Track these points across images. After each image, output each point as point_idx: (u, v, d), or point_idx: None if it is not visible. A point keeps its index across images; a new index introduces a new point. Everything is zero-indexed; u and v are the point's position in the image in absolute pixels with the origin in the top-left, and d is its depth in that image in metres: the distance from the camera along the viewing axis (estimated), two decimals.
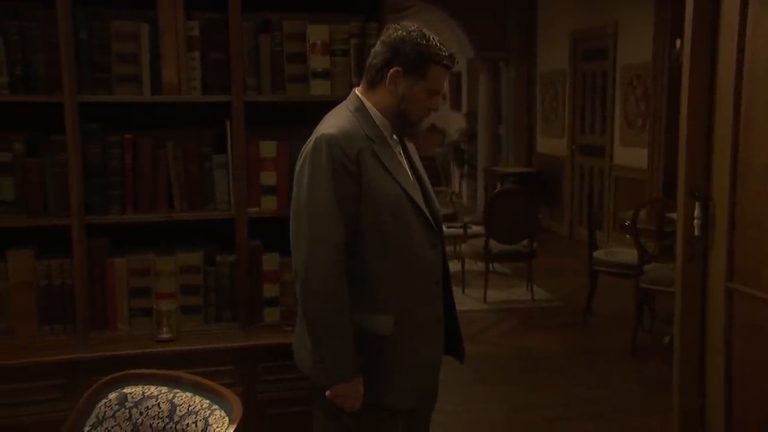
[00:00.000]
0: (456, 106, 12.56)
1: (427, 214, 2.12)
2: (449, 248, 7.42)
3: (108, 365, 2.28)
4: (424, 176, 2.24)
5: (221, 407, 1.84)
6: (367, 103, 2.13)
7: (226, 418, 1.78)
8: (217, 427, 1.76)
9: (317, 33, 2.68)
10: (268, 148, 2.70)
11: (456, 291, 6.43)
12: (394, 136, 2.16)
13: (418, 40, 2.06)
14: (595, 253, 5.68)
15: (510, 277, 7.20)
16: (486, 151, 10.67)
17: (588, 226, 5.93)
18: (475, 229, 6.86)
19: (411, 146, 2.27)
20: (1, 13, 2.46)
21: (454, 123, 12.62)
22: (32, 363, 2.47)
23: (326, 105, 2.74)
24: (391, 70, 2.07)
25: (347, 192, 2.00)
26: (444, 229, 2.31)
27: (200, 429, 1.80)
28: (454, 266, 6.93)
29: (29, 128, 2.58)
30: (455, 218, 7.89)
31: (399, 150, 2.17)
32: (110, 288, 2.63)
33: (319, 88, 2.71)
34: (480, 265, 6.74)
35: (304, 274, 2.00)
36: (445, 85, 2.24)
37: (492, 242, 6.24)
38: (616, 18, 7.99)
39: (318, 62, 2.69)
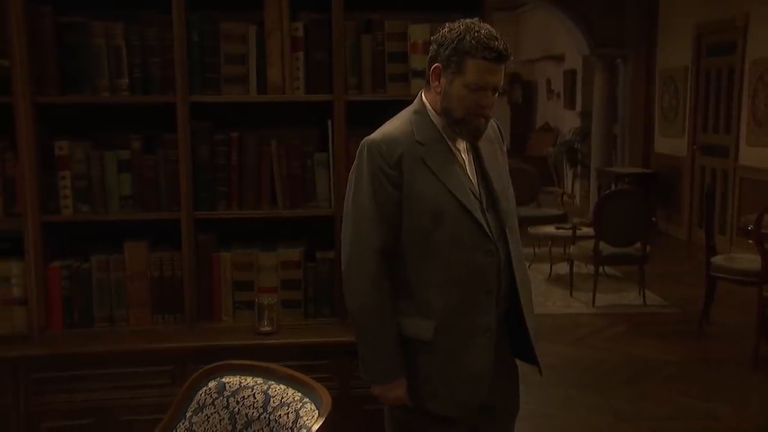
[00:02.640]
0: (570, 104, 12.25)
1: (481, 221, 2.03)
2: (558, 250, 7.28)
3: (212, 354, 2.37)
4: (499, 179, 2.14)
5: (312, 400, 1.88)
6: (427, 105, 2.10)
7: (316, 412, 1.82)
8: (307, 420, 1.80)
9: (418, 32, 2.69)
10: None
11: (563, 293, 6.41)
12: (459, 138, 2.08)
13: (457, 34, 1.98)
14: (713, 259, 5.39)
15: (621, 281, 6.95)
16: (600, 151, 10.34)
17: (705, 230, 5.63)
18: (585, 230, 6.67)
19: (488, 147, 2.15)
20: (125, 20, 2.61)
21: (567, 122, 12.33)
22: (145, 349, 2.62)
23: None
24: (433, 67, 2.05)
25: (386, 196, 2.00)
26: (518, 233, 2.21)
27: (291, 421, 1.84)
28: (562, 268, 6.88)
29: (146, 127, 2.73)
30: (565, 219, 7.70)
31: (463, 152, 2.09)
32: (216, 281, 2.74)
33: (419, 87, 2.68)
34: (589, 268, 6.55)
35: (346, 274, 2.05)
36: (497, 81, 2.00)
37: (602, 244, 6.05)
38: (747, 10, 7.54)
39: (418, 61, 2.70)
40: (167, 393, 2.45)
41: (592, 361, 4.94)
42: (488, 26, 2.01)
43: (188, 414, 2.03)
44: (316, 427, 1.74)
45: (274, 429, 1.89)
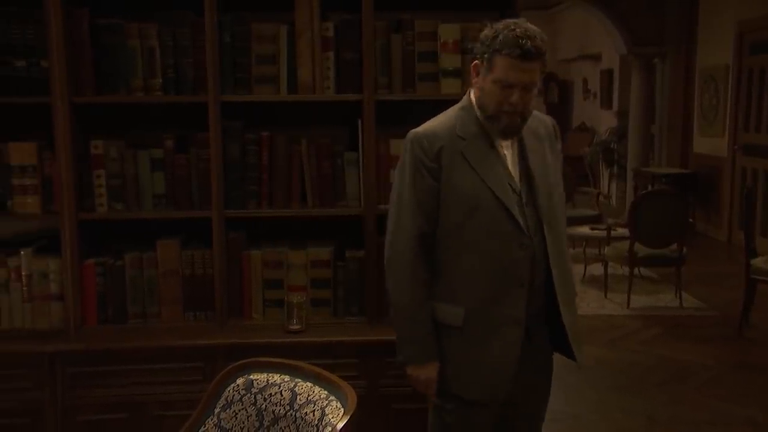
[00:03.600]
0: (606, 104, 12.10)
1: (517, 214, 2.07)
2: (593, 251, 7.19)
3: (242, 352, 2.40)
4: (543, 176, 2.15)
5: (338, 398, 1.89)
6: (473, 101, 2.16)
7: (341, 410, 1.83)
8: (332, 418, 1.81)
9: (448, 31, 2.69)
10: (398, 146, 2.73)
11: (598, 294, 6.34)
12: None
13: (493, 32, 2.03)
14: (753, 261, 5.28)
15: (657, 283, 6.85)
16: (637, 151, 10.19)
17: (745, 231, 5.52)
18: (620, 231, 6.58)
19: (535, 144, 2.18)
20: (158, 22, 2.66)
21: (604, 122, 12.18)
22: (177, 346, 2.66)
23: (456, 103, 2.75)
24: (473, 64, 2.13)
25: (426, 187, 2.10)
26: (563, 230, 2.23)
27: (317, 418, 1.86)
28: (597, 269, 6.81)
29: (179, 127, 2.77)
30: (600, 220, 7.61)
31: (506, 148, 2.13)
32: (246, 279, 2.77)
33: (450, 87, 2.71)
34: (624, 269, 6.47)
35: (386, 259, 2.18)
36: (535, 79, 2.02)
37: (637, 246, 5.97)
38: None
39: (449, 60, 2.70)
40: (198, 389, 2.48)
41: (626, 364, 4.87)
42: (529, 26, 2.02)
43: (216, 410, 2.05)
44: (341, 424, 1.75)
45: (301, 426, 1.91)
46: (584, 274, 7.02)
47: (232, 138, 2.70)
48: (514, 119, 2.06)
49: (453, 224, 2.10)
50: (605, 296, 6.35)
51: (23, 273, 2.69)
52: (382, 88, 2.71)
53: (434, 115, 2.79)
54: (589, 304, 6.21)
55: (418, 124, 2.81)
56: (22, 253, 2.69)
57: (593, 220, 7.52)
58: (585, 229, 6.93)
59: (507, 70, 1.99)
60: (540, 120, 2.25)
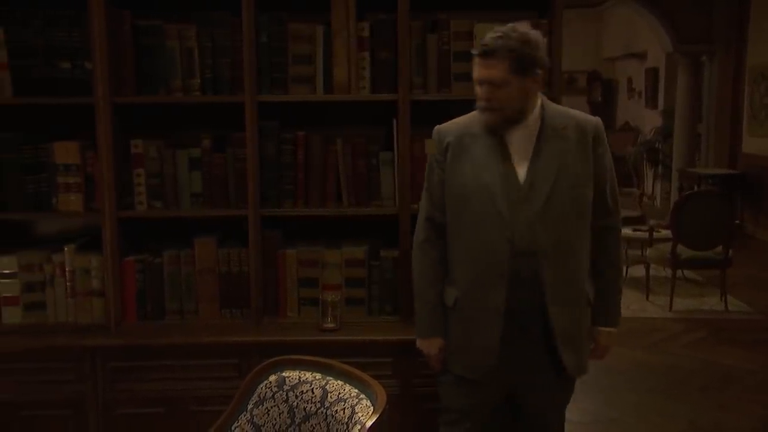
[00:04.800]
0: (651, 103, 11.89)
1: (503, 209, 2.16)
2: (635, 252, 7.07)
3: (277, 350, 2.42)
4: (549, 176, 2.17)
5: (368, 397, 1.90)
6: None
7: (371, 408, 1.84)
8: (362, 416, 1.82)
9: (484, 31, 2.64)
10: (432, 146, 2.73)
11: (639, 297, 6.24)
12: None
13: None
14: None
15: (701, 286, 6.71)
16: (682, 151, 10.00)
17: None
18: (663, 233, 6.46)
19: (556, 144, 2.19)
20: (197, 23, 2.70)
21: (648, 121, 11.97)
22: (213, 343, 2.69)
23: None
24: None
25: (435, 179, 2.32)
26: (575, 232, 2.24)
27: (347, 416, 1.87)
28: (638, 271, 6.69)
29: (216, 126, 2.81)
30: (643, 221, 7.48)
31: (517, 145, 2.20)
32: (281, 277, 2.80)
33: None
34: (667, 271, 6.35)
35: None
36: (500, 76, 2.12)
37: (680, 247, 5.85)
38: None
39: None
40: (233, 386, 2.49)
41: (667, 367, 4.79)
42: (509, 28, 2.14)
43: (249, 406, 2.08)
44: (370, 423, 1.76)
45: (331, 424, 1.93)
46: (625, 275, 6.91)
47: (269, 137, 2.73)
48: (489, 115, 2.18)
49: (452, 213, 2.28)
50: (647, 298, 6.25)
51: (67, 269, 2.76)
52: (417, 88, 2.72)
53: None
54: (629, 306, 6.12)
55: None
56: (65, 249, 2.76)
57: (636, 221, 7.39)
58: (627, 230, 6.81)
59: (474, 68, 2.18)
60: (577, 121, 2.24)
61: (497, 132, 2.21)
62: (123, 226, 2.76)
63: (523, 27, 2.15)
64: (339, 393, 1.96)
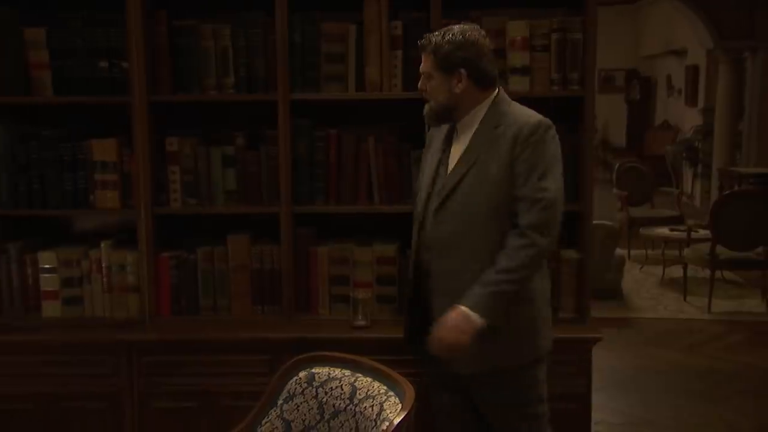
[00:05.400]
0: (691, 101, 11.68)
1: (420, 201, 2.31)
2: (673, 252, 6.96)
3: (308, 346, 2.43)
4: (458, 171, 2.24)
5: (396, 394, 1.90)
6: None
7: (399, 405, 1.84)
8: (390, 413, 1.83)
9: (516, 29, 2.67)
10: None
11: (676, 298, 6.14)
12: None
13: None
14: None
15: (742, 287, 6.58)
16: (723, 150, 9.80)
17: None
18: (702, 233, 6.36)
19: (480, 141, 2.23)
20: (231, 23, 2.73)
21: (688, 120, 11.77)
22: (246, 339, 2.73)
23: (523, 101, 2.72)
24: None
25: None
26: (469, 228, 2.24)
27: (375, 413, 1.88)
28: (676, 272, 6.58)
29: (250, 124, 2.84)
30: (681, 221, 7.37)
31: (459, 140, 2.28)
32: (313, 274, 2.82)
33: (517, 84, 2.68)
34: (706, 272, 6.24)
35: None
36: (426, 70, 2.28)
37: (720, 248, 5.75)
38: None
39: (517, 58, 2.68)
40: (265, 381, 2.51)
41: (705, 370, 4.71)
42: (452, 26, 2.25)
43: (280, 402, 2.10)
44: (397, 420, 1.76)
45: (360, 420, 1.94)
46: (662, 276, 6.82)
47: (302, 136, 2.75)
48: (426, 105, 2.30)
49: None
50: (684, 299, 6.15)
51: (103, 265, 2.82)
52: None
53: None
54: (666, 307, 6.03)
55: None
56: (102, 245, 2.82)
57: (674, 221, 7.29)
58: (664, 230, 6.73)
59: None
60: (515, 122, 2.21)
61: (431, 124, 2.36)
62: (158, 223, 2.81)
63: (462, 28, 2.23)
64: (368, 390, 1.97)
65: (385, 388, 1.95)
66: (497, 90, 2.28)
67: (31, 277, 2.83)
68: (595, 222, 3.93)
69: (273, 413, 2.09)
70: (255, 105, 2.80)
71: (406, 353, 2.61)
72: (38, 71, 2.76)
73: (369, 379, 2.00)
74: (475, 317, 2.10)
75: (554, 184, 2.17)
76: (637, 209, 7.77)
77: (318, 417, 2.05)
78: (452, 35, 2.21)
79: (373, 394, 1.94)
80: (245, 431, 2.08)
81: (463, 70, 2.20)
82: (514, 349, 2.24)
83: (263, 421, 2.09)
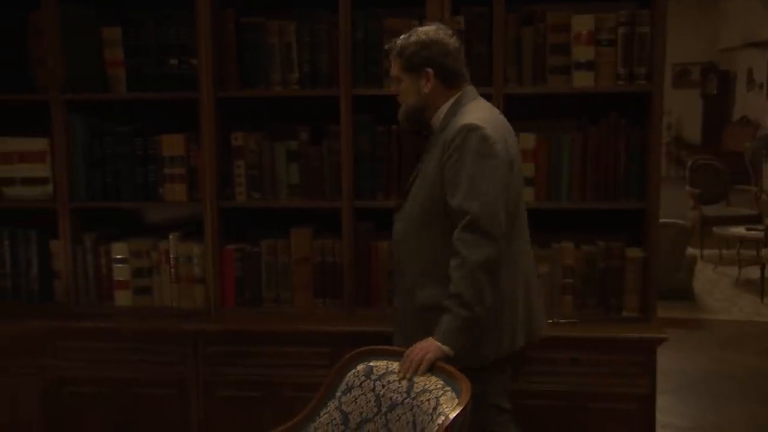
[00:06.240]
0: None
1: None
2: (750, 252, 6.72)
3: (368, 340, 2.43)
4: (420, 177, 2.27)
5: (453, 389, 1.90)
6: None
7: (455, 400, 1.84)
8: (446, 408, 1.83)
9: (582, 23, 2.62)
10: (527, 140, 2.70)
11: (753, 300, 5.93)
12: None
13: None
14: None
15: None
16: None
17: None
18: None
19: (435, 147, 2.23)
20: (296, 20, 2.78)
21: None
22: (307, 331, 2.78)
23: (588, 96, 2.69)
24: None
25: None
26: (411, 228, 2.29)
27: (432, 407, 1.88)
28: (753, 272, 6.34)
29: (313, 120, 2.87)
30: (759, 220, 7.10)
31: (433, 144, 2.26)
32: (373, 268, 2.84)
33: (582, 79, 2.64)
34: None
35: None
36: (395, 73, 2.31)
37: None
38: None
39: (582, 53, 2.63)
40: (325, 374, 2.55)
41: None
42: (418, 27, 2.29)
43: (338, 394, 2.13)
44: (453, 414, 1.76)
45: (416, 414, 1.94)
46: (738, 277, 6.58)
47: (364, 131, 2.77)
48: (400, 109, 2.32)
49: None
50: (761, 301, 5.93)
51: (171, 256, 2.91)
52: (512, 82, 2.69)
53: (565, 108, 2.76)
54: (742, 309, 5.83)
55: (549, 118, 2.79)
56: (170, 237, 2.91)
57: (751, 220, 7.03)
58: (740, 229, 6.50)
59: None
60: (452, 125, 2.18)
61: (404, 128, 2.42)
62: (223, 216, 2.88)
63: (426, 28, 2.25)
64: (425, 384, 1.98)
65: (442, 382, 1.95)
66: (463, 89, 2.27)
67: (104, 267, 2.95)
68: (664, 220, 3.83)
69: (331, 404, 2.12)
70: (318, 100, 2.84)
71: None
72: (114, 69, 2.87)
73: (426, 374, 2.01)
74: (444, 348, 2.06)
75: (478, 197, 2.08)
76: (711, 208, 7.53)
77: (375, 409, 2.07)
78: (416, 36, 2.23)
79: (430, 389, 1.95)
80: (304, 421, 2.12)
81: (429, 69, 2.21)
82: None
83: (322, 412, 2.12)
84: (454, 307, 2.08)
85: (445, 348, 2.06)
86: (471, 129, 2.12)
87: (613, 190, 2.70)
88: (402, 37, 2.26)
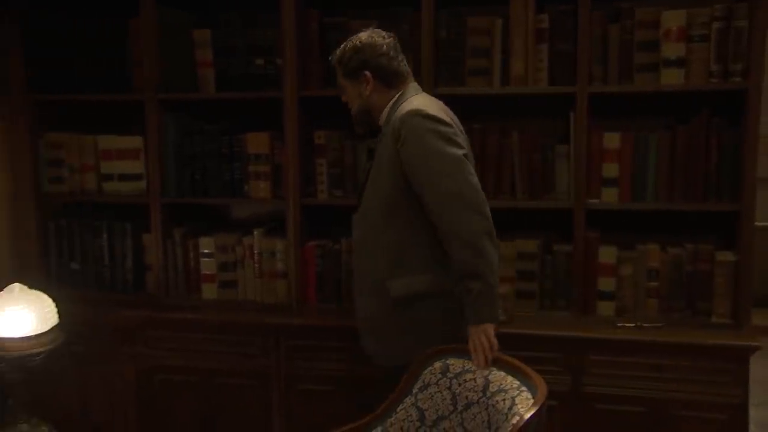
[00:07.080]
0: None
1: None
2: None
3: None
4: (373, 171, 2.31)
5: (528, 389, 1.89)
6: None
7: (531, 400, 1.83)
8: (521, 408, 1.82)
9: (672, 18, 2.55)
10: (611, 140, 2.65)
11: None
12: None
13: None
14: None
15: None
16: None
17: None
18: None
19: (384, 141, 2.25)
20: (379, 19, 2.79)
21: None
22: None
23: (677, 95, 2.61)
24: None
25: None
26: (371, 225, 2.30)
27: (507, 407, 1.87)
28: None
29: None
30: None
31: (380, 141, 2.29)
32: None
33: (671, 77, 2.56)
34: None
35: None
36: (339, 82, 2.39)
37: None
38: None
39: (671, 50, 2.56)
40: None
41: None
42: (354, 36, 2.32)
43: (414, 390, 2.14)
44: (528, 415, 1.75)
45: (492, 413, 1.94)
46: None
47: None
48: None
49: None
50: None
51: (255, 251, 2.99)
52: (598, 80, 2.64)
53: (652, 107, 2.68)
54: None
55: (635, 117, 2.73)
56: (254, 233, 2.99)
57: None
58: None
59: None
60: (398, 117, 2.20)
61: (358, 132, 2.46)
62: (306, 213, 2.94)
63: (360, 34, 2.30)
64: (500, 384, 1.97)
65: (518, 383, 1.93)
66: (406, 86, 2.30)
67: (192, 260, 3.06)
68: (761, 224, 3.65)
69: (408, 401, 2.14)
70: None
71: (543, 350, 2.59)
72: (203, 69, 2.97)
73: (502, 373, 2.00)
74: (487, 324, 2.11)
75: (448, 183, 2.11)
76: None
77: (451, 407, 2.07)
78: (351, 43, 2.30)
79: (506, 388, 1.94)
80: (381, 416, 2.14)
81: (367, 72, 2.27)
82: (400, 348, 2.25)
83: (398, 408, 2.14)
84: (476, 284, 2.09)
85: (488, 324, 2.10)
86: (415, 114, 2.16)
87: (703, 191, 2.61)
88: (341, 47, 2.33)
